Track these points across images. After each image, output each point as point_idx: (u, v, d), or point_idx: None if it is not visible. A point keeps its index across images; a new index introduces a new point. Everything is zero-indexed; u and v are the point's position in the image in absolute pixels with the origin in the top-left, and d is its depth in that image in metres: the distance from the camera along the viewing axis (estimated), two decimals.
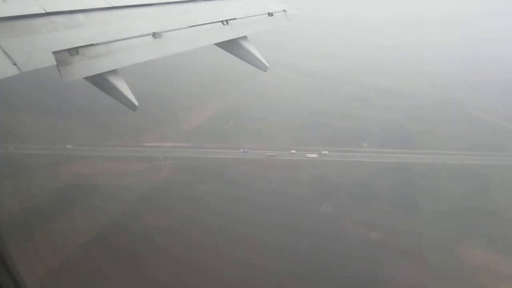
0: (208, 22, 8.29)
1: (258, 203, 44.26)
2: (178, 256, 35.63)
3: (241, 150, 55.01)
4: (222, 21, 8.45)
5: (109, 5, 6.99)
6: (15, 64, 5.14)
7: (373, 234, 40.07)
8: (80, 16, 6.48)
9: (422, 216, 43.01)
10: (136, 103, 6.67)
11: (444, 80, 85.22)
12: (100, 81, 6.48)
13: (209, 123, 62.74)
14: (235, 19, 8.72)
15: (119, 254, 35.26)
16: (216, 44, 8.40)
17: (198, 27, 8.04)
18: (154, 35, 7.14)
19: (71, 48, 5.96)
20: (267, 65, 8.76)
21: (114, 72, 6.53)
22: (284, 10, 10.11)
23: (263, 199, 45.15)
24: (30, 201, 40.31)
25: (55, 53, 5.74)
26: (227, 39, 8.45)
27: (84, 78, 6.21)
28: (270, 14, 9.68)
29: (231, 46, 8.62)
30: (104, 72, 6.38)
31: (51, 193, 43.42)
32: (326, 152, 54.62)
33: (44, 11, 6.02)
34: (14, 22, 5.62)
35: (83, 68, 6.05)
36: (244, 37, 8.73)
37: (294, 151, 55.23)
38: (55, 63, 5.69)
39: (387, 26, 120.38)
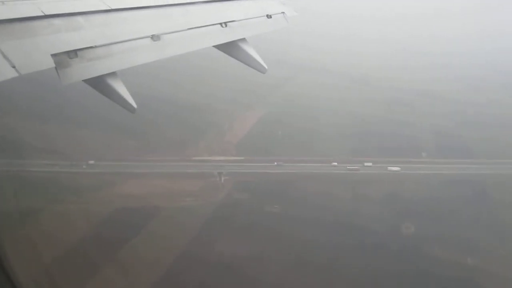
0: (207, 24, 8.35)
1: (352, 229, 40.19)
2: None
3: (275, 163, 51.04)
4: (221, 24, 8.51)
5: (108, 8, 7.01)
6: (13, 67, 5.14)
7: None
8: (79, 19, 6.50)
9: None
10: (135, 105, 6.69)
11: (476, 77, 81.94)
12: (99, 83, 6.51)
13: (255, 134, 57.62)
14: (234, 21, 8.79)
15: None
16: (215, 46, 8.46)
17: (197, 29, 8.10)
18: (153, 37, 7.17)
19: (70, 51, 5.98)
20: (266, 67, 8.80)
21: (113, 74, 6.55)
22: (283, 12, 10.15)
23: (359, 225, 40.86)
24: (90, 229, 36.05)
25: (54, 55, 5.75)
26: (226, 41, 8.53)
27: (83, 80, 6.22)
28: (269, 16, 9.77)
29: (230, 48, 8.72)
30: (103, 75, 6.40)
31: (106, 219, 37.96)
32: (398, 168, 51.74)
33: (42, 14, 6.03)
34: (13, 24, 5.62)
35: (82, 70, 6.08)
36: (243, 39, 8.79)
37: (370, 164, 51.87)
38: (54, 65, 5.70)
39: (391, 21, 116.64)
